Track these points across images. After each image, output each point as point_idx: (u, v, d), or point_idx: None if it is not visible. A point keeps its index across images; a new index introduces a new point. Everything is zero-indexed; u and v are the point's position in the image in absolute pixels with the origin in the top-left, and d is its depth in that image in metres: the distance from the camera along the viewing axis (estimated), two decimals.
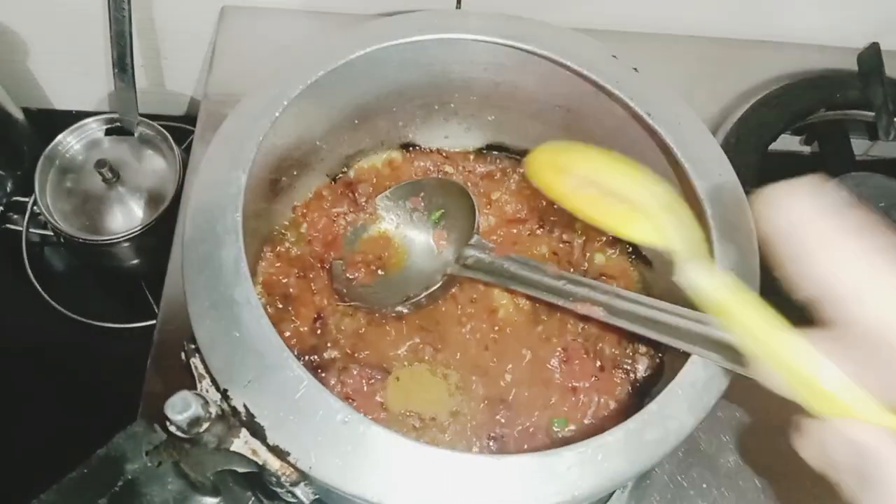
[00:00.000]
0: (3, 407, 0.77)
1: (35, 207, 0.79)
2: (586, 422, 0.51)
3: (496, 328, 0.54)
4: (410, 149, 0.61)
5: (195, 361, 0.40)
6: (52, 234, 0.81)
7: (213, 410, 0.37)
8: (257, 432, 0.38)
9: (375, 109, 0.57)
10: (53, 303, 0.79)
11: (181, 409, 0.35)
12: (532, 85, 0.55)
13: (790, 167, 0.77)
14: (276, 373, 0.38)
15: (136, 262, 0.79)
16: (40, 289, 0.80)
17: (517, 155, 0.61)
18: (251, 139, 0.45)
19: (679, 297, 0.51)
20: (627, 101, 0.48)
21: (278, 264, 0.55)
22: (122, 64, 0.71)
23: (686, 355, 0.42)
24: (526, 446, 0.50)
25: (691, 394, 0.40)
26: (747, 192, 0.47)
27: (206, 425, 0.36)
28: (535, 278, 0.49)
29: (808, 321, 0.32)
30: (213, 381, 0.39)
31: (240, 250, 0.41)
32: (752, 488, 0.57)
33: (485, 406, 0.51)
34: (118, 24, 0.69)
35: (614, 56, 0.50)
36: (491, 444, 0.50)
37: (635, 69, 0.50)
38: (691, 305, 0.44)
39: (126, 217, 0.76)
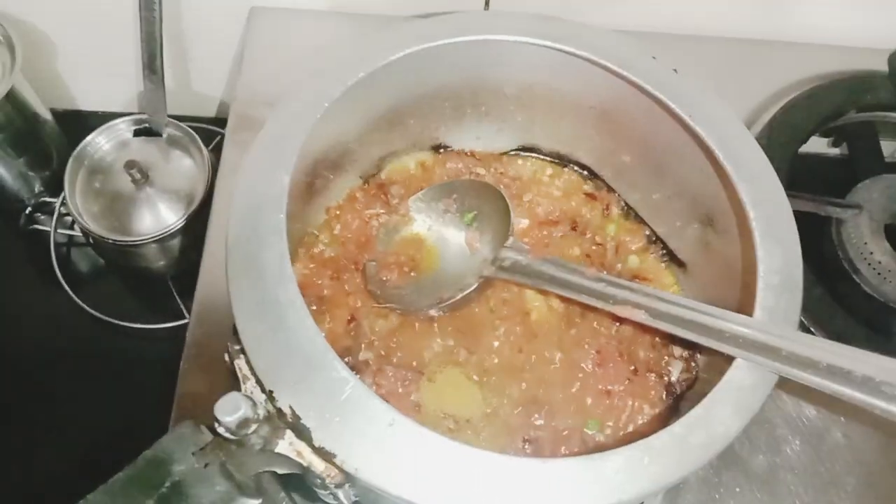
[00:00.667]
0: (35, 406, 0.77)
1: (63, 208, 0.79)
2: (620, 425, 0.50)
3: (530, 330, 0.54)
4: (442, 150, 0.61)
5: (239, 363, 0.40)
6: (79, 234, 0.82)
7: (261, 412, 0.37)
8: (303, 434, 0.38)
9: (408, 111, 0.57)
10: (81, 303, 0.80)
11: (231, 410, 0.35)
12: (567, 86, 0.54)
13: (819, 170, 0.77)
14: (322, 374, 0.38)
15: (163, 262, 0.79)
16: (68, 288, 0.80)
17: (549, 157, 0.61)
18: (293, 140, 0.45)
19: (714, 299, 0.51)
20: (668, 102, 0.48)
21: (312, 266, 0.55)
22: (152, 65, 0.71)
23: (726, 358, 0.42)
24: (562, 449, 0.50)
25: (737, 398, 0.40)
26: None
27: (254, 427, 0.36)
28: (574, 280, 0.49)
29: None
30: (259, 383, 0.39)
31: (284, 251, 0.41)
32: (786, 492, 0.57)
33: (518, 408, 0.51)
34: (149, 24, 0.69)
35: (654, 57, 0.50)
36: (525, 446, 0.50)
37: (675, 70, 0.49)
38: (727, 309, 0.45)
39: (154, 218, 0.76)
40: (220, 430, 0.36)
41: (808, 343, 0.39)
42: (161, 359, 0.63)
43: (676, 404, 0.51)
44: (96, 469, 0.38)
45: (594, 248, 0.58)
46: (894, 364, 0.36)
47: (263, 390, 0.39)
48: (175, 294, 0.81)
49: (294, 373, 0.38)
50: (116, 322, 0.79)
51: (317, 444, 0.37)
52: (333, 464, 0.37)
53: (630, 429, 0.51)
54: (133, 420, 0.65)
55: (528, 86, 0.56)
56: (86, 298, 0.80)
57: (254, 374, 0.39)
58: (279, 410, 0.38)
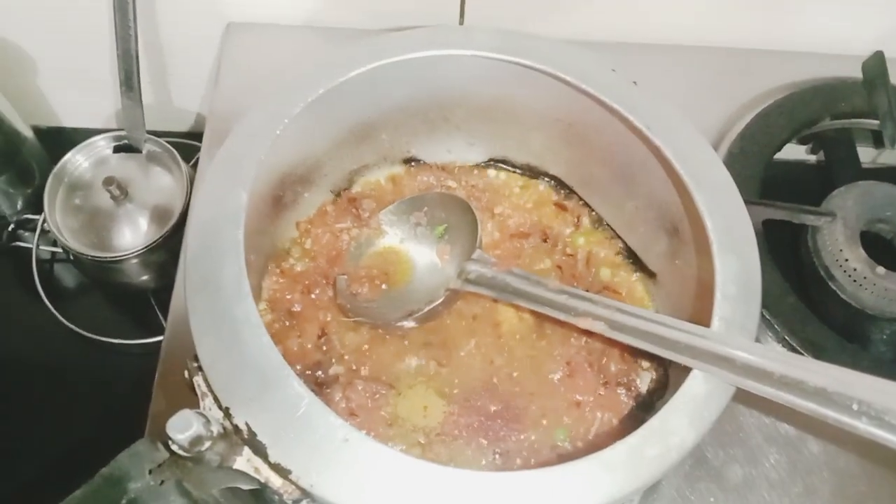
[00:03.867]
0: (14, 423, 0.77)
1: (45, 225, 0.79)
2: (590, 437, 0.50)
3: (501, 342, 0.54)
4: (413, 164, 0.61)
5: (198, 380, 0.40)
6: (61, 251, 0.82)
7: (216, 429, 0.37)
8: (259, 450, 0.38)
9: (378, 125, 0.57)
10: (63, 319, 0.80)
11: (182, 428, 0.35)
12: (532, 99, 0.55)
13: (796, 177, 0.77)
14: (278, 390, 0.39)
15: (145, 278, 0.80)
16: (50, 305, 0.80)
17: (520, 169, 0.61)
18: (252, 157, 0.45)
19: (682, 310, 0.51)
20: (626, 114, 0.48)
21: (283, 281, 0.55)
22: (129, 82, 0.72)
23: (689, 371, 0.42)
24: (531, 460, 0.50)
25: (692, 408, 0.40)
26: (751, 203, 0.47)
27: (208, 444, 0.37)
28: (537, 293, 0.49)
29: None
30: (216, 400, 0.39)
31: (241, 268, 0.41)
32: (761, 501, 0.57)
33: (490, 420, 0.51)
34: (125, 42, 0.70)
35: (613, 70, 0.50)
36: (496, 458, 0.50)
37: (634, 82, 0.50)
38: (694, 320, 0.45)
39: (134, 234, 0.77)
40: (174, 447, 0.36)
41: (762, 354, 0.39)
42: (142, 374, 0.63)
43: (646, 414, 0.51)
44: (72, 485, 0.38)
45: (565, 259, 0.58)
46: (846, 375, 0.36)
47: (220, 407, 0.39)
48: (156, 309, 0.81)
49: (250, 389, 0.39)
50: (98, 338, 0.79)
51: (272, 460, 0.37)
52: (290, 480, 0.38)
53: (599, 438, 0.51)
54: (113, 436, 0.65)
55: (495, 99, 0.56)
56: (68, 314, 0.80)
57: (211, 390, 0.39)
58: (236, 427, 0.38)
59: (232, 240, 0.42)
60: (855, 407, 0.35)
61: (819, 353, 0.60)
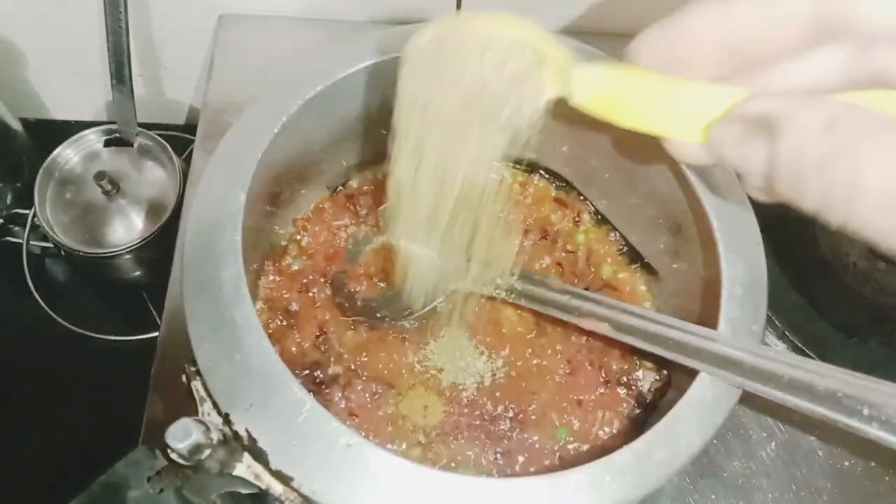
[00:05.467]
0: (4, 421, 0.76)
1: (35, 220, 0.78)
2: (592, 436, 0.50)
3: (501, 341, 0.53)
4: None
5: (196, 385, 0.39)
6: (52, 246, 0.81)
7: (215, 436, 0.36)
8: (260, 457, 0.37)
9: (376, 120, 0.56)
10: (55, 315, 0.79)
11: (182, 437, 0.35)
12: None
13: None
14: (279, 396, 0.38)
15: (137, 273, 0.79)
16: (41, 301, 0.79)
17: (517, 164, 0.60)
18: (250, 156, 0.44)
19: (685, 308, 0.51)
20: None
21: (280, 279, 0.54)
22: (120, 75, 0.71)
23: (692, 372, 0.41)
24: (532, 461, 0.49)
25: (699, 412, 0.39)
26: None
27: (207, 452, 0.36)
28: (540, 293, 0.49)
29: None
30: (215, 405, 0.38)
31: (240, 271, 0.40)
32: (761, 498, 0.57)
33: (490, 419, 0.50)
34: (115, 35, 0.68)
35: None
36: (497, 458, 0.49)
37: None
38: (696, 319, 0.44)
39: (127, 229, 0.76)
40: (173, 455, 0.36)
41: (771, 357, 0.39)
42: (135, 370, 0.62)
43: (647, 414, 0.51)
44: (69, 483, 0.38)
45: (565, 256, 0.57)
46: (856, 379, 0.36)
47: (220, 413, 0.38)
48: (149, 305, 0.80)
49: (250, 395, 0.38)
50: (90, 334, 0.79)
51: (274, 467, 0.37)
52: (291, 487, 0.37)
53: (600, 438, 0.50)
54: (107, 434, 0.65)
55: None
56: (60, 310, 0.79)
57: (210, 396, 0.38)
58: (236, 433, 0.37)
59: (230, 242, 0.41)
60: (865, 412, 0.35)
61: (820, 349, 0.60)
